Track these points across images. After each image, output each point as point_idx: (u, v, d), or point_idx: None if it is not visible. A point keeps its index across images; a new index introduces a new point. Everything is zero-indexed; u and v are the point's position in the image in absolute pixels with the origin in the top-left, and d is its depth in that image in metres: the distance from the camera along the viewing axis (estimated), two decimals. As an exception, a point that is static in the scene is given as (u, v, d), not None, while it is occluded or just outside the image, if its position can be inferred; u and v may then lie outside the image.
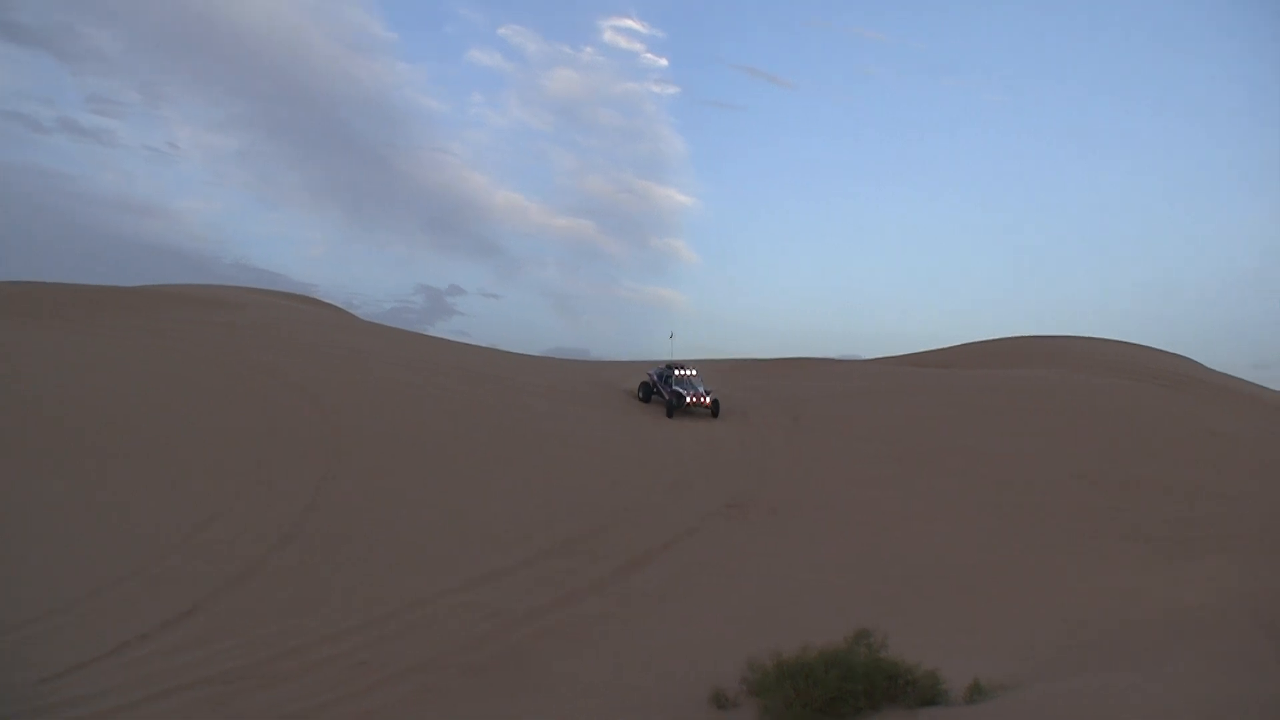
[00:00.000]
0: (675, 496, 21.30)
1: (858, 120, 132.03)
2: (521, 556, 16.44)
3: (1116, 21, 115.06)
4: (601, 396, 33.29)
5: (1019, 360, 44.11)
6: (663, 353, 40.95)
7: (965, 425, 28.21)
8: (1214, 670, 10.04)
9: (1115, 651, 11.76)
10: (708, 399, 30.35)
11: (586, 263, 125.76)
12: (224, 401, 23.88)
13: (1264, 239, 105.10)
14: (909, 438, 27.04)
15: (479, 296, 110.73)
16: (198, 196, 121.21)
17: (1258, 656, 11.05)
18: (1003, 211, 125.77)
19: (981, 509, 20.72)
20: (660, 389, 31.61)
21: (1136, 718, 7.78)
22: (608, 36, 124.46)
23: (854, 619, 11.22)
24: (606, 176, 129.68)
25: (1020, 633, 13.25)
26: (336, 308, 59.90)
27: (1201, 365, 46.48)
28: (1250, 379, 45.13)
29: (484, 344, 50.78)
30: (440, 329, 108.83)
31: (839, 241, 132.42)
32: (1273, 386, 43.88)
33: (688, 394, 30.17)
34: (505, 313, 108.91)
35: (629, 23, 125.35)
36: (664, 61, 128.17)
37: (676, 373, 31.75)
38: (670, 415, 29.96)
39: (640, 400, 32.48)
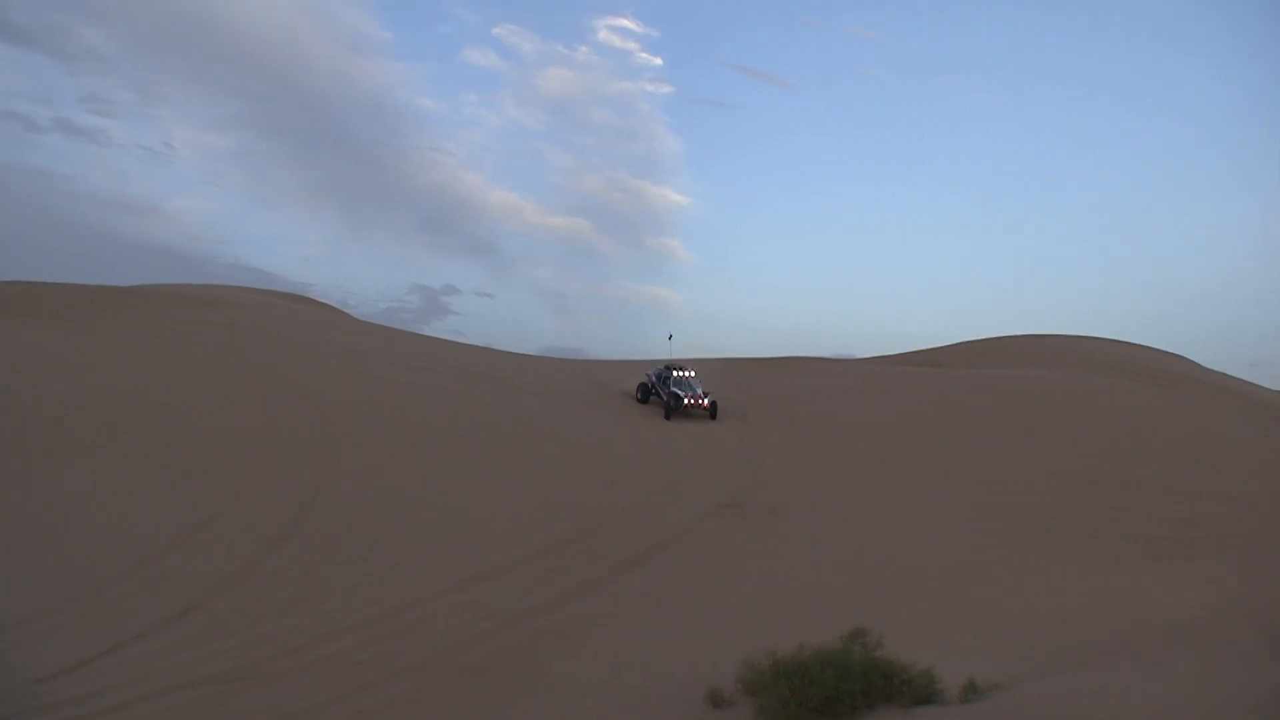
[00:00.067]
0: (673, 496, 21.31)
1: (853, 119, 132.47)
2: (519, 556, 16.44)
3: (1115, 21, 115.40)
4: (597, 396, 33.30)
5: (1013, 359, 44.16)
6: (658, 352, 41.00)
7: (959, 425, 28.23)
8: (1212, 670, 10.07)
9: (1114, 651, 11.76)
10: (705, 401, 30.25)
11: (581, 262, 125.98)
12: (223, 401, 23.87)
13: (1260, 238, 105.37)
14: (904, 437, 27.06)
15: (474, 296, 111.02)
16: (193, 196, 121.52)
17: (1256, 656, 11.08)
18: (999, 211, 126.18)
19: (977, 509, 20.74)
20: (659, 390, 31.49)
21: (1135, 717, 7.80)
22: (602, 36, 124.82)
23: (850, 618, 11.22)
24: (601, 176, 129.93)
25: (1019, 632, 13.26)
26: (332, 307, 59.85)
27: (1197, 364, 46.53)
28: (1246, 378, 45.27)
29: (479, 343, 50.93)
30: (435, 328, 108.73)
31: (834, 241, 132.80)
32: (1268, 385, 44.00)
33: (686, 396, 30.07)
34: (500, 312, 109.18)
35: (623, 22, 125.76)
36: (659, 61, 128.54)
37: (675, 374, 31.58)
38: (668, 417, 29.88)
39: (638, 401, 32.39)
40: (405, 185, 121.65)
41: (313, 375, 27.61)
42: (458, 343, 48.91)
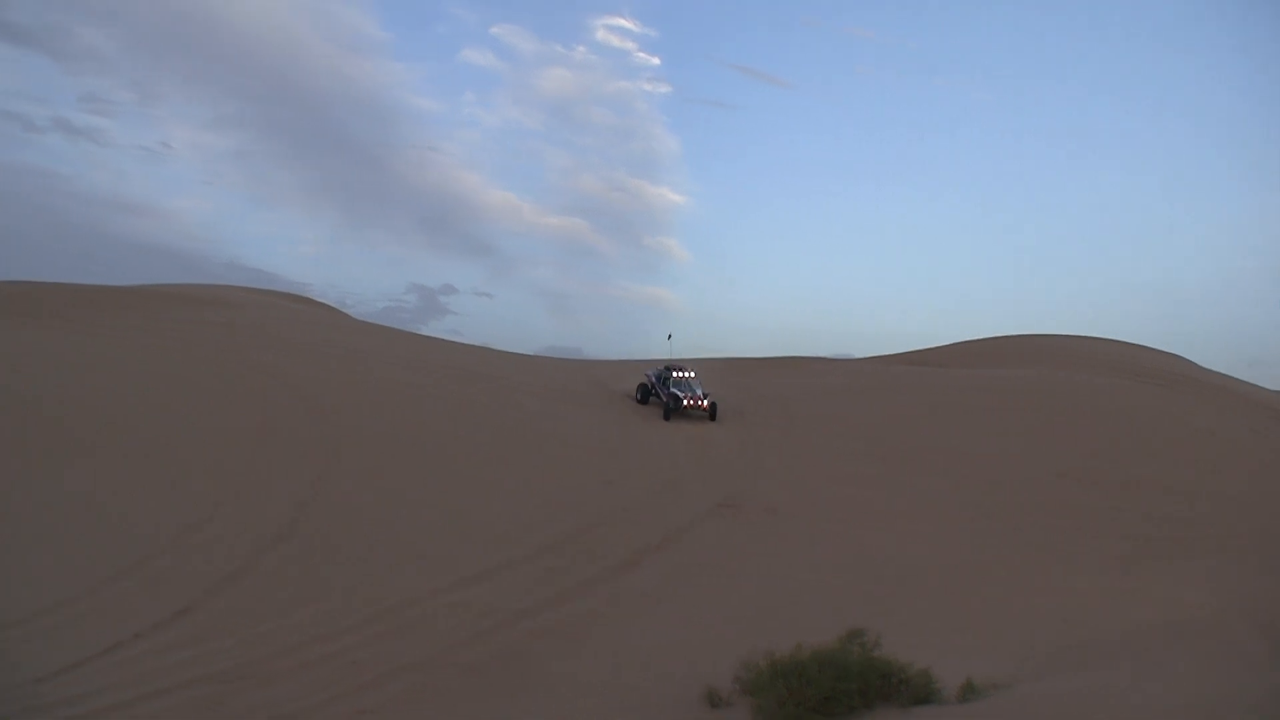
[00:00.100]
0: (672, 496, 21.30)
1: (852, 119, 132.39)
2: (519, 555, 16.44)
3: (1114, 21, 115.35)
4: (596, 396, 33.29)
5: (1013, 359, 44.12)
6: (657, 351, 41.00)
7: (959, 425, 28.23)
8: (1212, 670, 10.06)
9: (1113, 651, 11.76)
10: (705, 402, 30.19)
11: (579, 262, 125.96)
12: (222, 401, 23.87)
13: (1260, 238, 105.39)
14: (904, 437, 27.05)
15: (472, 296, 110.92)
16: (191, 196, 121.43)
17: (1256, 656, 11.07)
18: (998, 211, 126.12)
19: (976, 508, 20.74)
20: (658, 390, 31.42)
21: (1135, 717, 7.79)
22: (600, 35, 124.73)
23: (850, 618, 11.22)
24: (599, 175, 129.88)
25: (1018, 632, 13.25)
26: (330, 307, 59.86)
27: (1195, 364, 46.53)
28: (1244, 377, 45.29)
29: (477, 343, 50.96)
30: (433, 328, 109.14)
31: (832, 240, 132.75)
32: (1267, 385, 44.01)
33: (685, 396, 29.98)
34: (498, 312, 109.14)
35: (621, 21, 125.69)
36: (656, 60, 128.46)
37: (675, 374, 31.49)
38: (667, 418, 29.82)
39: (638, 402, 32.35)
40: (403, 185, 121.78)
41: (312, 375, 27.61)
42: (456, 343, 48.97)
